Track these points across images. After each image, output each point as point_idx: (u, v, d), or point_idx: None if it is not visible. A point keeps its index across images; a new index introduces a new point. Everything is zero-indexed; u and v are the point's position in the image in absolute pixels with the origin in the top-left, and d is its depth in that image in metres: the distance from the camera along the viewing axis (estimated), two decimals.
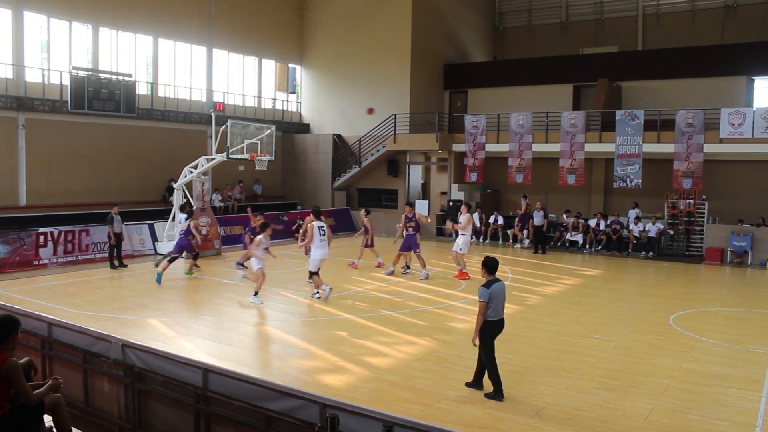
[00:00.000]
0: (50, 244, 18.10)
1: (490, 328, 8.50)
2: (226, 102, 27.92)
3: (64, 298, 14.04)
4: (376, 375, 9.28)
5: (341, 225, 28.46)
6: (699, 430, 7.55)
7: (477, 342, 8.52)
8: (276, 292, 15.09)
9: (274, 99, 32.07)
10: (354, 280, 16.89)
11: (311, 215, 14.62)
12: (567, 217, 24.45)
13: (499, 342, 11.09)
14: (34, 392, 5.62)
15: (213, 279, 16.85)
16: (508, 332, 11.77)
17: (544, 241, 23.63)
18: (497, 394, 8.35)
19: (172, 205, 21.04)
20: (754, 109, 21.77)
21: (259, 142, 20.36)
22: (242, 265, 16.07)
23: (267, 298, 14.63)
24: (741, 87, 25.69)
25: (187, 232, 16.71)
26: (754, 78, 26.30)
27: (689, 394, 8.68)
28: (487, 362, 8.51)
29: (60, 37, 23.08)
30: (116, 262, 17.94)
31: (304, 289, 15.43)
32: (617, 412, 7.98)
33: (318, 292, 14.17)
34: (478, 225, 25.79)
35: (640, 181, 22.80)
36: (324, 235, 13.95)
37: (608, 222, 23.75)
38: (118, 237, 17.96)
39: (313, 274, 14.27)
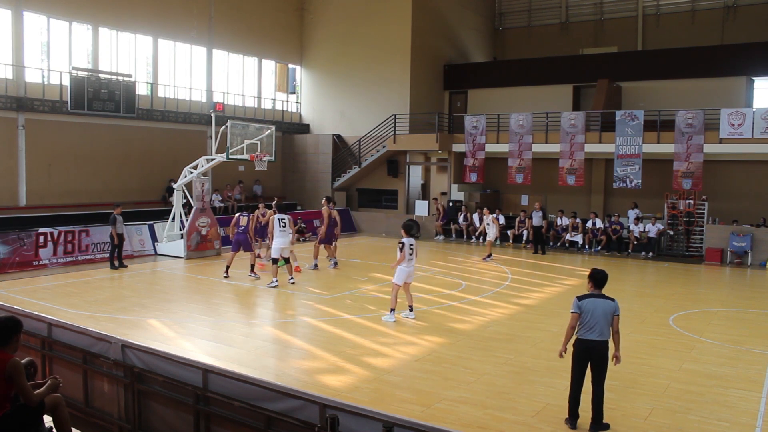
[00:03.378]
0: (50, 244, 18.09)
1: (578, 346, 7.59)
2: (225, 102, 27.95)
3: (64, 298, 14.03)
4: (377, 375, 9.27)
5: (341, 225, 28.36)
6: (699, 430, 7.55)
7: (563, 354, 7.71)
8: (275, 293, 15.10)
9: (274, 99, 32.08)
10: (355, 280, 16.89)
11: (274, 209, 16.41)
12: (560, 217, 24.45)
13: (499, 342, 11.16)
14: (35, 392, 5.63)
15: (213, 279, 16.84)
16: (508, 333, 11.86)
17: (544, 241, 23.63)
18: (570, 419, 7.62)
19: (172, 206, 21.04)
20: (754, 110, 21.78)
21: (259, 142, 20.35)
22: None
23: (265, 298, 14.65)
24: (741, 87, 25.69)
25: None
26: (753, 78, 26.30)
27: (689, 395, 8.68)
28: (571, 384, 7.66)
29: (60, 37, 23.08)
30: (116, 263, 17.94)
31: (308, 289, 15.43)
32: (617, 413, 7.97)
33: (276, 281, 15.54)
34: (478, 225, 25.84)
35: (640, 181, 22.81)
36: (285, 226, 15.49)
37: (607, 222, 23.78)
38: (120, 237, 17.96)
39: (274, 262, 15.72)
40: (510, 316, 13.19)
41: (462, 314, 13.29)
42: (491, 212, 22.49)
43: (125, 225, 18.82)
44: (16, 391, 5.55)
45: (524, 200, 27.33)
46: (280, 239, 15.47)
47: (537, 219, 23.48)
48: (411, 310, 12.69)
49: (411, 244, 12.36)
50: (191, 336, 11.27)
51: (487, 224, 21.79)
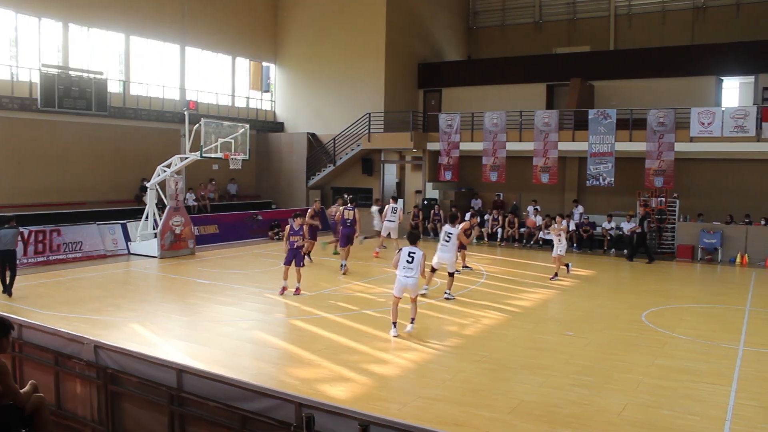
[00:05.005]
0: (20, 244, 17.70)
1: None
2: (199, 101, 27.71)
3: (35, 299, 13.81)
4: (352, 373, 9.26)
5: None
6: (671, 424, 7.65)
7: None
8: (253, 292, 15.01)
9: (248, 98, 31.87)
10: (332, 279, 16.85)
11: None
12: (534, 215, 24.55)
13: (474, 340, 11.22)
14: (21, 391, 5.63)
15: (188, 279, 16.71)
16: (484, 330, 11.92)
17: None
18: None
19: (146, 205, 20.81)
20: (723, 109, 22.16)
21: (233, 140, 20.22)
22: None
23: (244, 298, 14.55)
24: (710, 87, 26.09)
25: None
26: (722, 78, 26.73)
27: (662, 390, 8.80)
28: None
29: (29, 33, 22.69)
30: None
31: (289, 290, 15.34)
32: (591, 408, 8.06)
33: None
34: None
35: (613, 179, 23.07)
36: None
37: (579, 220, 24.02)
38: None
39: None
40: (485, 314, 13.25)
41: (437, 312, 13.32)
42: (563, 218, 18.34)
43: (98, 224, 18.53)
44: (4, 392, 5.51)
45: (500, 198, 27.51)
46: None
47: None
48: (411, 322, 11.57)
49: (410, 252, 11.36)
50: (166, 336, 11.17)
51: (558, 234, 17.50)
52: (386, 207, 21.36)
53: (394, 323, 11.40)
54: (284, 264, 14.61)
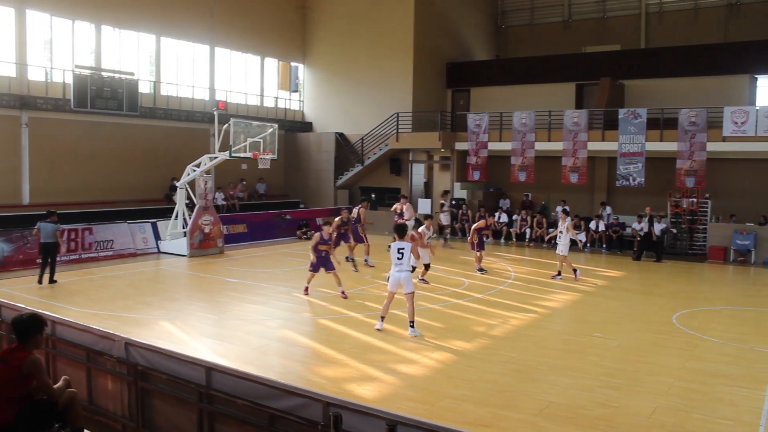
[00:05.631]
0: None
1: None
2: (228, 101, 27.96)
3: (68, 296, 14.06)
4: (380, 373, 9.27)
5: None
6: (702, 428, 7.54)
7: None
8: (281, 292, 15.09)
9: (277, 97, 32.08)
10: (361, 278, 16.88)
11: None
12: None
13: (501, 340, 11.17)
14: (55, 386, 5.74)
15: (217, 278, 16.86)
16: (512, 331, 11.85)
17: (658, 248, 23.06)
18: None
19: (175, 204, 21.05)
20: (758, 108, 21.73)
21: (261, 140, 20.36)
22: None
23: (272, 297, 14.64)
24: (744, 85, 25.61)
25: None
26: (756, 76, 26.20)
27: (693, 393, 8.67)
28: None
29: (63, 35, 23.11)
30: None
31: (317, 288, 15.38)
32: (620, 411, 7.97)
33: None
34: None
35: (643, 179, 22.78)
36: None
37: (608, 221, 23.78)
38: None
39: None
40: (512, 314, 13.18)
41: (465, 312, 13.28)
42: (567, 216, 18.04)
43: (129, 223, 18.80)
44: (38, 387, 5.62)
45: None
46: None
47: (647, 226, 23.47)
48: (412, 326, 11.36)
49: (399, 248, 11.32)
50: (195, 334, 11.29)
51: (560, 232, 17.60)
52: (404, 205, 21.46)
53: (382, 317, 11.64)
54: (312, 271, 14.55)
